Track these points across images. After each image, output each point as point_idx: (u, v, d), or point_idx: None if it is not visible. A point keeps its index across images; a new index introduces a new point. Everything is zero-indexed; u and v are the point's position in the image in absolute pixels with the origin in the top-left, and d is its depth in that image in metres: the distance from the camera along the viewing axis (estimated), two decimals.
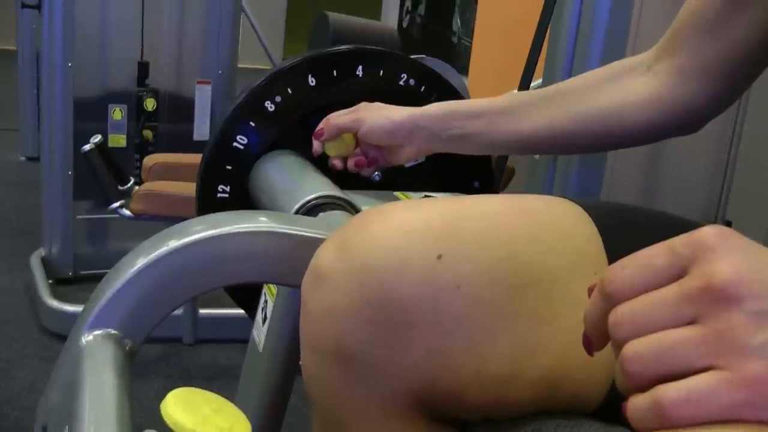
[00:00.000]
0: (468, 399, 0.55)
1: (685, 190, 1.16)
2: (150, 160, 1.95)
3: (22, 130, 3.46)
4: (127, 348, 0.63)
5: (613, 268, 0.38)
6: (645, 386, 0.35)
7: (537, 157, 1.17)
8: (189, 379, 1.84)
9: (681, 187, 1.15)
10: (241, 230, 0.65)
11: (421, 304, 0.52)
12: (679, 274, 0.36)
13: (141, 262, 0.63)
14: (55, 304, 1.97)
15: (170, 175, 1.86)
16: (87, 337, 0.62)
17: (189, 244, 0.64)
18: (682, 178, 1.14)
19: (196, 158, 0.93)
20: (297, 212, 0.75)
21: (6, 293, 2.17)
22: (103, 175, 1.77)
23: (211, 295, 2.01)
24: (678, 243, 0.36)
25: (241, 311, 2.08)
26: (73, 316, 1.93)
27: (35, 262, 2.18)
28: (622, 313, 0.36)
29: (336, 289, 0.54)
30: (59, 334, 1.94)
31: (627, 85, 0.73)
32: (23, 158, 3.48)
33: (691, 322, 0.34)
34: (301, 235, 0.66)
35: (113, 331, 0.63)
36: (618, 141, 0.75)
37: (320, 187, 0.77)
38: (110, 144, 2.13)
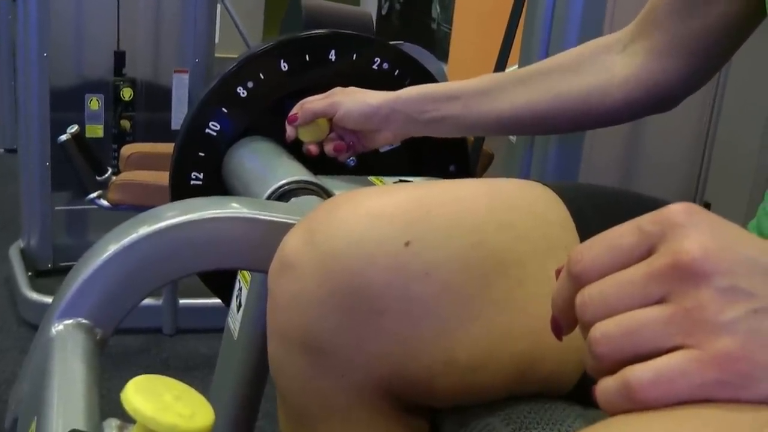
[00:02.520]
0: (438, 387, 0.54)
1: (664, 172, 1.16)
2: (127, 149, 1.94)
3: None
4: (98, 337, 0.62)
5: (579, 249, 0.37)
6: (614, 368, 0.34)
7: (514, 140, 1.16)
8: (169, 370, 1.83)
9: (659, 170, 1.15)
10: (211, 216, 0.65)
11: (390, 292, 0.51)
12: (648, 252, 0.35)
13: (110, 250, 0.62)
14: (34, 296, 1.96)
15: (148, 164, 1.84)
16: (57, 327, 0.62)
17: (158, 231, 0.63)
18: (660, 160, 1.14)
19: (173, 148, 0.92)
20: (269, 198, 0.74)
21: None
22: (80, 166, 1.76)
23: (191, 285, 2.01)
24: (645, 221, 0.35)
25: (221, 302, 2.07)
26: None
27: (14, 254, 2.16)
28: (589, 294, 0.36)
29: (303, 277, 0.53)
30: (37, 326, 1.92)
31: (605, 65, 0.73)
32: (1, 150, 3.44)
33: (660, 301, 0.34)
34: (272, 221, 0.66)
35: (83, 321, 0.62)
36: (597, 120, 0.74)
37: (293, 172, 0.77)
38: (87, 134, 2.11)
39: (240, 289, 0.81)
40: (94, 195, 1.70)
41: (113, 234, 0.64)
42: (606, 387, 0.34)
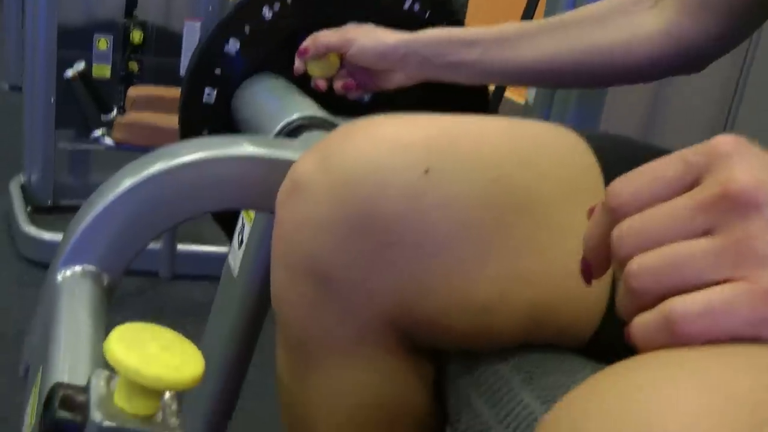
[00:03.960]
0: (448, 328, 0.53)
1: (687, 130, 1.14)
2: (134, 91, 1.92)
3: (6, 58, 3.39)
4: (105, 283, 0.61)
5: (618, 182, 0.35)
6: (651, 305, 0.32)
7: (531, 100, 1.15)
8: (163, 314, 1.83)
9: (682, 127, 1.14)
10: (215, 156, 0.63)
11: (404, 223, 0.50)
12: (692, 184, 0.33)
13: (116, 192, 0.61)
14: (32, 231, 1.95)
15: (154, 106, 1.83)
16: (63, 274, 0.60)
17: (166, 171, 0.62)
18: (683, 117, 1.12)
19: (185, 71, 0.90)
20: (279, 134, 0.73)
21: None
22: (85, 103, 1.75)
23: (190, 231, 2.00)
24: (690, 152, 0.34)
25: (221, 248, 2.07)
26: (50, 245, 1.92)
27: (14, 188, 2.15)
28: (628, 226, 0.34)
29: (313, 201, 0.51)
30: (35, 261, 1.92)
31: (635, 19, 0.70)
32: (6, 87, 3.41)
33: (705, 234, 0.32)
34: (279, 159, 0.64)
35: (90, 267, 0.61)
36: (621, 76, 0.72)
37: (303, 107, 0.75)
38: (94, 74, 2.08)
39: (243, 227, 0.80)
40: (98, 133, 1.69)
41: (118, 176, 0.62)
42: (644, 321, 0.32)
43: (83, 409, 0.37)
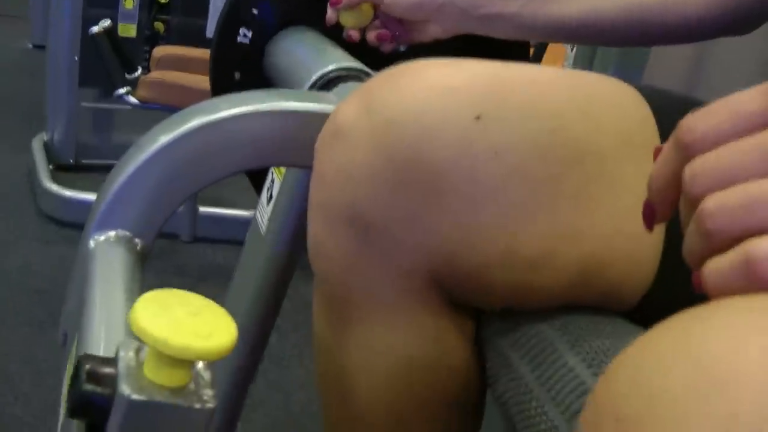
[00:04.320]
0: (493, 282, 0.51)
1: (732, 87, 1.11)
2: (159, 51, 1.90)
3: (31, 17, 3.38)
4: (138, 248, 0.59)
5: (693, 116, 0.32)
6: (725, 248, 0.30)
7: (569, 63, 1.12)
8: (183, 276, 1.82)
9: (727, 84, 1.11)
10: (248, 112, 0.60)
11: (452, 170, 0.47)
12: None
13: (145, 155, 0.59)
14: (54, 188, 1.94)
15: (180, 66, 1.81)
16: (96, 239, 0.58)
17: (194, 130, 0.59)
18: (728, 74, 1.09)
19: (206, 53, 0.88)
20: (314, 86, 0.71)
21: (6, 175, 2.15)
22: (110, 61, 1.73)
23: (211, 194, 1.99)
24: None
25: (242, 211, 2.06)
26: (71, 202, 1.92)
27: (37, 146, 2.15)
28: (703, 163, 0.31)
29: (355, 147, 0.49)
30: (57, 219, 1.92)
31: None
32: (31, 46, 3.41)
33: None
34: (314, 112, 0.61)
35: (122, 232, 0.59)
36: (670, 35, 0.69)
37: (338, 58, 0.72)
38: (120, 33, 2.07)
39: (272, 182, 0.78)
40: (122, 91, 1.67)
41: (149, 136, 0.60)
42: (719, 265, 0.30)
43: (111, 381, 0.36)
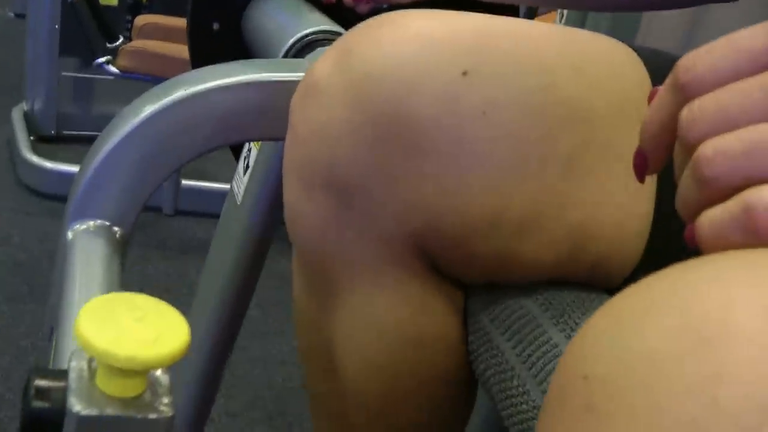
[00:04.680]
0: (476, 251, 0.48)
1: None
2: (141, 19, 1.86)
3: None
4: (117, 236, 0.57)
5: (691, 54, 0.29)
6: (723, 197, 0.27)
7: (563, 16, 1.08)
8: (165, 250, 1.80)
9: None
10: (216, 86, 0.57)
11: (437, 128, 0.44)
12: None
13: (114, 140, 0.56)
14: (34, 159, 1.91)
15: (161, 36, 1.77)
16: (75, 229, 0.56)
17: (157, 113, 0.56)
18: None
19: None
20: (289, 52, 0.68)
21: None
22: (90, 29, 1.69)
23: (194, 167, 1.96)
24: None
25: (226, 185, 2.03)
26: (52, 173, 1.89)
27: (17, 116, 2.11)
28: (701, 105, 0.28)
29: (332, 103, 0.45)
30: (36, 190, 1.89)
31: None
32: (12, 14, 3.34)
33: None
34: (286, 81, 0.58)
35: (99, 221, 0.57)
36: (659, 2, 0.66)
37: (313, 22, 0.69)
38: (101, 1, 2.02)
39: (249, 151, 0.75)
40: (102, 60, 1.64)
41: (117, 121, 0.58)
42: (715, 216, 0.27)
43: (62, 396, 0.34)
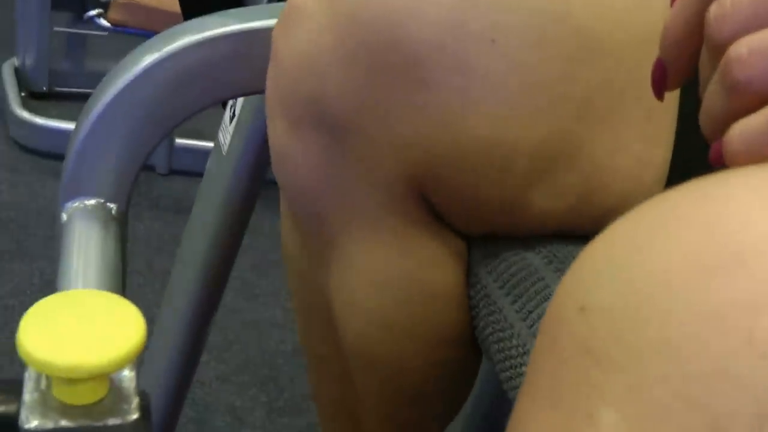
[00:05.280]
0: (482, 197, 0.44)
1: None
2: None
3: None
4: (114, 213, 0.56)
5: None
6: (757, 106, 0.24)
7: None
8: (159, 210, 1.77)
9: None
10: (201, 39, 0.55)
11: (441, 57, 0.39)
12: None
13: (99, 109, 0.54)
14: (25, 115, 1.87)
15: None
16: (69, 209, 0.55)
17: (147, 70, 0.54)
18: None
19: None
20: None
21: None
22: None
23: (188, 125, 1.92)
24: None
25: None
26: (44, 130, 1.84)
27: (7, 72, 2.05)
28: (732, 1, 0.25)
29: (320, 27, 0.41)
30: (27, 147, 1.85)
31: None
32: None
33: None
34: (264, 28, 0.54)
35: (94, 199, 0.56)
36: None
37: None
38: None
39: (235, 99, 0.71)
40: (93, 12, 1.59)
41: (100, 89, 0.55)
42: (747, 126, 0.24)
43: (16, 410, 0.32)
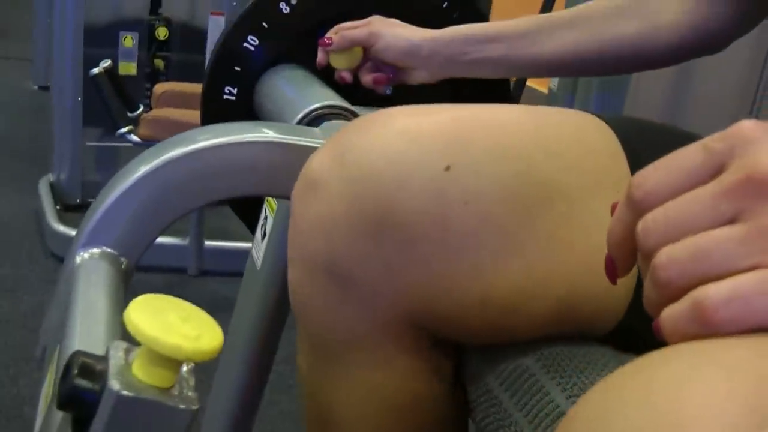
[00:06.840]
0: (471, 325, 0.52)
1: (711, 115, 1.11)
2: (160, 87, 1.92)
3: (35, 59, 3.42)
4: (123, 266, 0.61)
5: (641, 174, 0.34)
6: (680, 296, 0.31)
7: (555, 88, 1.13)
8: None
9: (707, 112, 1.11)
10: (238, 141, 0.63)
11: (425, 220, 0.48)
12: (715, 172, 0.32)
13: (134, 177, 0.61)
14: (61, 228, 1.96)
15: (180, 103, 1.83)
16: (82, 256, 0.60)
17: (184, 155, 0.61)
18: (707, 102, 1.10)
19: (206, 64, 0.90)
20: (300, 123, 0.72)
21: (14, 217, 2.17)
22: (111, 100, 1.75)
23: (217, 227, 2.00)
24: (711, 140, 0.33)
25: (248, 244, 2.07)
26: None
27: (44, 187, 2.17)
28: (653, 218, 0.33)
29: (330, 198, 0.50)
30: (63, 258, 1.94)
31: (654, 7, 0.70)
32: (35, 87, 3.45)
33: (731, 221, 0.31)
34: (301, 145, 0.63)
35: (107, 249, 0.60)
36: (645, 63, 0.72)
37: (325, 97, 0.74)
38: (120, 72, 2.10)
39: (265, 218, 0.79)
40: (124, 130, 1.69)
41: (135, 162, 0.62)
42: (673, 313, 0.31)
43: (101, 377, 0.37)
